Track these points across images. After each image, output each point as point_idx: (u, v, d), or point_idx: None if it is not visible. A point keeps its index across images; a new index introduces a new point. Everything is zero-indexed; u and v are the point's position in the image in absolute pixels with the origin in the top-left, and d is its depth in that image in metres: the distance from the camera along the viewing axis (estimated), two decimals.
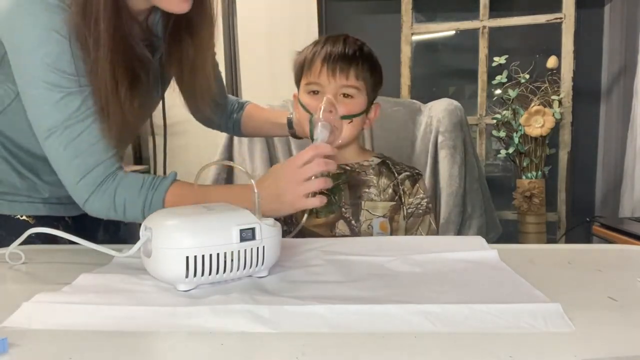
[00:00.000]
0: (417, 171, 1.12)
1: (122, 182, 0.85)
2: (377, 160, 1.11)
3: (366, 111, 1.06)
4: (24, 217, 0.98)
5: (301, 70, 1.07)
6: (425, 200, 1.09)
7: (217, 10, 0.96)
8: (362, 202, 1.06)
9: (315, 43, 1.06)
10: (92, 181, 0.84)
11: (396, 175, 1.09)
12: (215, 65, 1.12)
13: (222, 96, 1.20)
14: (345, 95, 1.02)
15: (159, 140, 1.13)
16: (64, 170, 0.85)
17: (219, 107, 1.18)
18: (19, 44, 0.81)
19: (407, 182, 1.09)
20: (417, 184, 1.10)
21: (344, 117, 1.00)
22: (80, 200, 0.86)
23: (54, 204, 1.01)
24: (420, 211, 1.09)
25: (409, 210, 1.08)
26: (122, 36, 0.83)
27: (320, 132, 0.92)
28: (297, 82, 1.09)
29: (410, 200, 1.08)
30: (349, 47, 1.03)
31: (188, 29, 0.95)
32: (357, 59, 1.02)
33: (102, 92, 0.82)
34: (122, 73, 0.83)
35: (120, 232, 1.15)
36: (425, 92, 2.44)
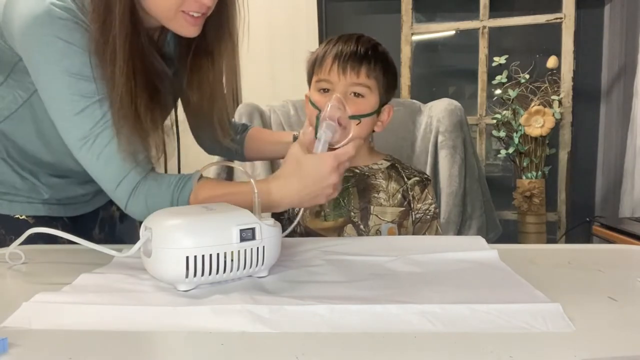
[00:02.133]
0: (426, 176, 1.11)
1: (151, 187, 0.85)
2: (386, 164, 1.08)
3: (377, 112, 1.03)
4: (23, 217, 0.98)
5: (312, 68, 1.05)
6: (433, 205, 1.08)
7: (241, 35, 0.97)
8: (371, 207, 1.04)
9: (328, 41, 1.05)
10: (127, 187, 0.84)
11: (405, 180, 1.07)
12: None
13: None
14: (356, 95, 0.99)
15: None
16: (101, 179, 0.86)
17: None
18: (40, 59, 0.82)
19: (416, 188, 1.07)
20: (427, 190, 1.08)
21: (352, 117, 0.97)
22: (122, 205, 0.86)
23: (53, 204, 1.01)
24: (428, 217, 1.07)
25: (417, 216, 1.07)
26: (139, 52, 0.84)
27: (324, 132, 0.90)
28: (309, 81, 1.08)
29: (419, 205, 1.07)
30: (361, 45, 1.00)
31: (208, 56, 0.96)
32: (370, 58, 1.00)
33: (117, 106, 0.82)
34: (140, 88, 0.84)
35: (116, 231, 1.15)
36: (425, 92, 2.44)
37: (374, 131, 1.09)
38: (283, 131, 1.34)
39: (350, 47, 1.00)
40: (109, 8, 0.80)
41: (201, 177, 0.86)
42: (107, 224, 1.14)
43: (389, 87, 1.04)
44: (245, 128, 1.21)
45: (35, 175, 0.99)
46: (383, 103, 1.04)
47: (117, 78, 0.81)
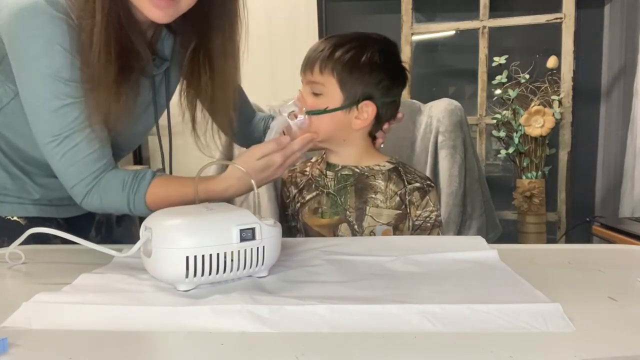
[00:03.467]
0: (428, 182, 1.07)
1: (106, 187, 0.88)
2: (389, 166, 1.06)
3: (346, 108, 0.99)
4: (15, 218, 0.98)
5: None
6: (435, 213, 1.05)
7: (244, 43, 0.98)
8: (367, 208, 1.03)
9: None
10: (84, 188, 0.87)
11: (406, 184, 1.05)
12: (240, 93, 1.13)
13: (248, 118, 1.19)
14: (315, 94, 1.01)
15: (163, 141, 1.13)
16: (60, 175, 0.89)
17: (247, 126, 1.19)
18: (21, 53, 0.82)
19: (416, 194, 1.04)
20: (427, 197, 1.05)
21: (308, 112, 1.00)
22: (77, 201, 0.90)
23: (45, 205, 1.00)
24: (429, 224, 1.05)
25: (417, 223, 1.04)
26: (118, 18, 0.84)
27: (275, 123, 0.95)
28: None
29: (419, 212, 1.04)
30: (327, 42, 1.02)
31: (207, 65, 0.96)
32: (325, 55, 0.99)
33: (94, 64, 0.82)
34: (114, 50, 0.83)
35: (113, 233, 1.15)
36: (425, 92, 2.44)
37: (377, 132, 1.08)
38: None
39: (316, 45, 1.03)
40: None
41: (154, 178, 0.89)
42: (103, 227, 1.14)
43: (357, 84, 0.99)
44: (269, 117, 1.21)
45: (27, 174, 0.98)
46: (356, 100, 1.00)
47: (95, 33, 0.81)
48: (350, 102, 1.00)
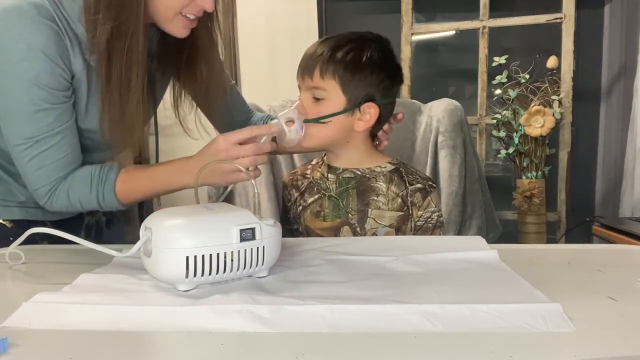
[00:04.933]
0: (430, 183, 1.06)
1: (73, 183, 0.88)
2: (390, 167, 1.05)
3: (349, 111, 0.98)
4: (0, 221, 0.97)
5: None
6: (437, 214, 1.05)
7: (242, 35, 1.02)
8: (369, 210, 1.03)
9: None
10: (48, 190, 0.88)
11: (407, 185, 1.04)
12: (232, 88, 1.15)
13: (244, 117, 1.21)
14: (315, 99, 0.98)
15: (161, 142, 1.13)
16: (26, 177, 0.89)
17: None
18: (0, 54, 0.82)
19: (417, 195, 1.03)
20: (429, 197, 1.04)
21: (306, 121, 0.97)
22: (41, 202, 0.90)
23: (31, 207, 0.98)
24: (430, 225, 1.04)
25: (418, 224, 1.04)
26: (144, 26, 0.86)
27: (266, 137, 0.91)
28: None
29: (420, 213, 1.04)
30: (324, 45, 0.99)
31: (203, 59, 0.98)
32: (325, 58, 0.97)
33: (130, 68, 0.84)
34: (141, 60, 0.85)
35: (103, 236, 1.13)
36: (425, 92, 2.44)
37: (380, 134, 1.08)
38: None
39: (312, 49, 1.00)
40: (122, 4, 0.81)
41: (122, 169, 0.89)
42: (93, 230, 1.11)
43: (359, 85, 0.98)
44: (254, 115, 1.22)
45: (11, 175, 0.97)
46: (359, 102, 0.99)
47: (133, 50, 0.83)
48: (353, 105, 0.99)
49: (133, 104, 0.86)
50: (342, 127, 1.00)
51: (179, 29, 0.88)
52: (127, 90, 0.84)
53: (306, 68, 0.99)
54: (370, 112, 1.00)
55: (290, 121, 0.95)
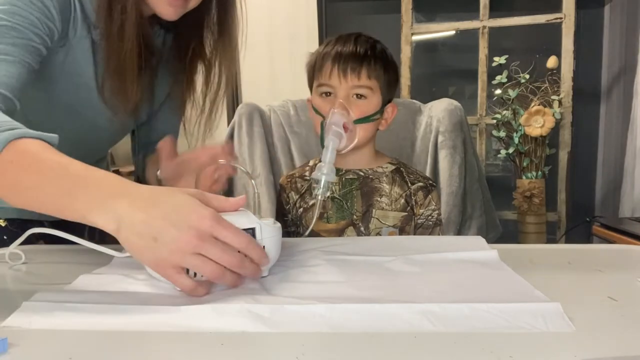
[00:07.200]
0: (430, 182, 1.09)
1: None
2: (391, 167, 1.07)
3: (380, 112, 1.02)
4: None
5: (313, 72, 1.04)
6: (436, 212, 1.06)
7: (241, 35, 0.97)
8: (373, 211, 1.03)
9: (327, 43, 1.04)
10: None
11: (409, 185, 1.06)
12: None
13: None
14: (359, 96, 0.99)
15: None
16: None
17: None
18: None
19: (420, 193, 1.05)
20: (430, 195, 1.06)
21: (357, 121, 0.97)
22: None
23: None
24: (430, 223, 1.06)
25: (419, 221, 1.05)
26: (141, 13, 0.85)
27: (331, 139, 0.91)
28: (310, 85, 1.07)
29: (421, 211, 1.05)
30: (360, 45, 0.99)
31: (205, 62, 0.97)
32: (369, 57, 0.99)
33: (124, 54, 0.83)
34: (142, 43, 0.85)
35: (107, 236, 1.10)
36: (425, 92, 2.44)
37: (378, 129, 1.08)
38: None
39: (349, 48, 0.99)
40: None
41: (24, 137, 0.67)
42: (97, 231, 1.09)
43: (390, 84, 1.03)
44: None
45: None
46: (386, 101, 1.03)
47: (128, 47, 0.82)
48: (385, 104, 1.03)
49: (128, 54, 0.84)
50: (375, 126, 1.03)
51: (164, 8, 0.85)
52: (121, 41, 0.83)
53: (351, 67, 0.98)
54: (388, 110, 1.05)
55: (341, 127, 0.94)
